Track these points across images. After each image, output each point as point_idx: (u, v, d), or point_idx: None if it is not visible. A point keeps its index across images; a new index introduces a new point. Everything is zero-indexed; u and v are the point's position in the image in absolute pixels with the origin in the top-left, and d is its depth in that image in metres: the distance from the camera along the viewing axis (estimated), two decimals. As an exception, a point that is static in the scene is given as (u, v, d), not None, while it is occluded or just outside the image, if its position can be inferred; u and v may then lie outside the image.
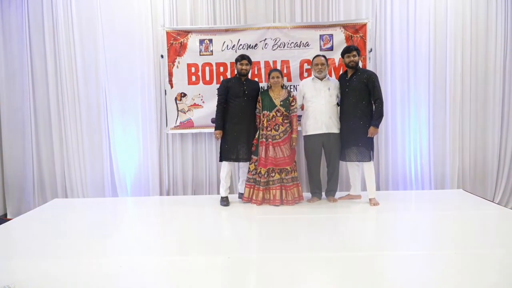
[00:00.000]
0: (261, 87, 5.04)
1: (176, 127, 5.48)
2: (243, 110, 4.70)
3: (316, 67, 4.65)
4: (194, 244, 3.49)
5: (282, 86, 4.75)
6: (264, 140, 4.61)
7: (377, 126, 4.49)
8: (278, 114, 4.61)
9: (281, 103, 4.62)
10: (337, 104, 4.75)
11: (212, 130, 5.33)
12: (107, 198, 5.58)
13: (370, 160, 4.58)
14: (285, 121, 4.64)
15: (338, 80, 4.80)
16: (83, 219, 4.47)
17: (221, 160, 4.83)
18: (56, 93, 5.56)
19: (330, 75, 5.22)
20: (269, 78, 4.71)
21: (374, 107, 4.52)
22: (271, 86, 4.71)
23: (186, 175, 5.66)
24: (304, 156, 5.01)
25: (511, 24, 5.43)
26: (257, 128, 4.75)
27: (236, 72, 4.82)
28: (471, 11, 5.42)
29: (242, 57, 4.72)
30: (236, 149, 4.69)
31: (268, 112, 4.63)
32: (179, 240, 3.64)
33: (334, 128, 4.67)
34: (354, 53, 4.52)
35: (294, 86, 5.32)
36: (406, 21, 5.45)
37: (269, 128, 4.61)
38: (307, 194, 4.95)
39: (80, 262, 3.11)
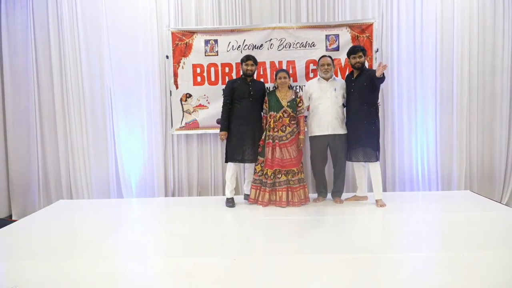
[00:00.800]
0: (267, 87, 5.01)
1: (181, 128, 5.46)
2: (248, 111, 4.68)
3: (322, 67, 4.62)
4: (200, 246, 3.46)
5: (289, 87, 4.72)
6: (270, 141, 4.58)
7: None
8: (285, 115, 4.58)
9: (288, 103, 4.59)
10: (343, 104, 4.72)
11: (217, 131, 5.31)
12: (112, 199, 5.56)
13: (376, 161, 4.55)
14: (292, 122, 4.60)
15: (345, 81, 4.77)
16: (88, 220, 4.46)
17: (226, 161, 4.80)
18: (61, 94, 5.55)
19: (336, 76, 5.19)
20: (276, 78, 4.68)
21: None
22: (278, 87, 4.68)
23: (191, 176, 5.64)
24: (309, 157, 4.97)
25: (519, 22, 5.40)
26: (263, 129, 4.72)
27: (241, 73, 4.79)
28: (478, 9, 5.37)
29: (247, 58, 4.69)
30: (241, 150, 4.66)
31: (275, 113, 4.60)
32: (184, 241, 3.61)
33: (340, 129, 4.64)
34: (360, 54, 4.48)
35: (300, 86, 5.29)
36: (412, 20, 5.41)
37: (276, 129, 4.58)
38: (313, 195, 4.93)
39: (84, 263, 3.10)
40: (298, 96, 4.68)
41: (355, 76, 4.59)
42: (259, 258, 3.19)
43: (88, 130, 5.58)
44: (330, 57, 4.70)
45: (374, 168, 4.58)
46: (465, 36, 5.39)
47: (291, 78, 5.09)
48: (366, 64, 5.11)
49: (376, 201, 4.61)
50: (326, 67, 4.59)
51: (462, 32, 5.39)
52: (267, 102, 4.68)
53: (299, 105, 4.64)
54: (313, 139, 4.73)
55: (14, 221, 4.89)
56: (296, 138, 4.62)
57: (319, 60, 4.71)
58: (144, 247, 3.50)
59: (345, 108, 4.72)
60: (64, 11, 5.44)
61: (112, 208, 5.05)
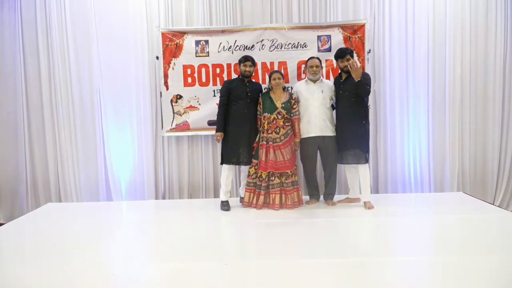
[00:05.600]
0: (264, 88, 4.97)
1: (171, 130, 5.39)
2: (245, 112, 4.60)
3: (310, 69, 4.58)
4: (190, 250, 3.41)
5: (283, 88, 4.68)
6: (264, 143, 4.52)
7: (361, 81, 4.22)
8: (279, 117, 4.53)
9: (283, 105, 4.54)
10: (332, 106, 4.69)
11: (208, 132, 5.30)
12: (102, 202, 5.48)
13: (365, 163, 4.52)
14: (286, 124, 4.56)
15: (334, 83, 4.73)
16: (77, 224, 4.37)
17: (222, 163, 4.73)
18: (50, 95, 5.47)
19: (328, 77, 5.18)
20: (270, 80, 4.63)
21: None
22: (271, 88, 4.63)
23: (182, 178, 5.57)
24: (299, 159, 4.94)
25: (511, 24, 5.38)
26: (258, 131, 4.67)
27: (240, 74, 4.70)
28: (470, 11, 5.36)
29: (246, 59, 4.61)
30: (237, 152, 4.59)
31: (269, 115, 4.54)
32: (175, 246, 3.55)
33: (329, 131, 4.60)
34: (348, 57, 4.43)
35: (291, 87, 5.24)
36: (404, 21, 5.39)
37: (269, 131, 4.52)
38: (305, 198, 4.88)
39: (73, 268, 3.05)
40: (293, 98, 4.63)
41: (343, 78, 4.55)
42: (251, 262, 3.14)
43: (77, 131, 5.50)
44: (318, 58, 4.67)
45: (363, 170, 4.55)
46: (457, 37, 5.39)
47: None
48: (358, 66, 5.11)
49: (364, 203, 4.59)
50: (314, 69, 4.56)
51: (455, 33, 5.38)
52: (261, 103, 4.63)
53: (294, 107, 4.60)
54: (302, 141, 4.67)
55: (2, 224, 4.82)
56: (290, 140, 4.57)
57: (307, 61, 4.67)
58: (134, 251, 3.45)
59: (334, 110, 4.69)
60: (52, 12, 5.35)
61: (101, 211, 4.97)
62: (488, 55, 5.43)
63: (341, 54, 4.48)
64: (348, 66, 4.28)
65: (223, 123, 4.63)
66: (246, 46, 5.26)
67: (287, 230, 3.90)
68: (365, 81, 4.35)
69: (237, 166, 4.90)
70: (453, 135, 5.48)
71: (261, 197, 4.53)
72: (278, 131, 4.52)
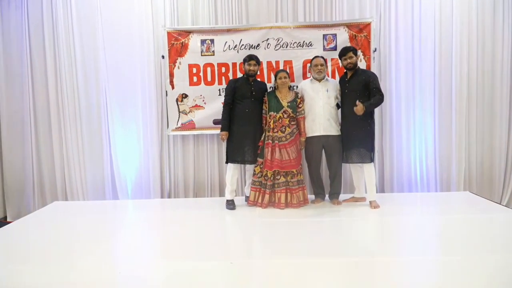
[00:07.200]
0: (270, 87, 4.97)
1: (177, 129, 5.41)
2: (250, 111, 4.60)
3: (315, 68, 4.57)
4: (196, 249, 3.41)
5: (289, 87, 4.66)
6: (270, 141, 4.52)
7: (367, 107, 4.32)
8: (285, 116, 4.53)
9: (289, 104, 4.54)
10: (337, 105, 4.68)
11: (214, 131, 5.30)
12: (108, 201, 5.51)
13: (370, 162, 4.51)
14: (292, 123, 4.55)
15: (339, 82, 4.72)
16: (83, 222, 4.40)
17: (227, 162, 4.73)
18: (56, 94, 5.50)
19: (334, 76, 5.16)
20: (276, 78, 4.62)
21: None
22: (277, 87, 4.63)
23: (187, 177, 5.58)
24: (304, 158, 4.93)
25: (518, 22, 5.35)
26: (263, 130, 4.66)
27: (245, 73, 4.71)
28: (477, 9, 5.33)
29: (250, 58, 4.61)
30: (242, 151, 4.59)
31: (275, 113, 4.54)
32: (180, 244, 3.56)
33: (333, 131, 4.59)
34: (350, 54, 4.44)
35: (297, 86, 5.24)
36: (411, 20, 5.37)
37: (275, 130, 4.52)
38: (311, 197, 4.87)
39: (79, 267, 3.06)
40: (299, 97, 4.62)
41: (348, 77, 4.55)
42: (256, 261, 3.15)
43: (83, 131, 5.53)
44: (322, 57, 4.67)
45: (368, 169, 4.53)
46: (464, 35, 5.35)
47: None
48: (364, 65, 5.11)
49: (370, 202, 4.57)
50: (319, 67, 4.55)
51: (461, 31, 5.35)
52: (267, 102, 4.63)
53: (300, 105, 4.59)
54: (307, 140, 4.66)
55: (9, 222, 4.85)
56: (296, 139, 4.56)
57: (312, 60, 4.67)
58: (140, 250, 3.46)
59: (339, 110, 4.68)
60: (59, 12, 5.39)
61: (107, 210, 5.01)
62: (495, 53, 5.39)
63: (343, 52, 4.49)
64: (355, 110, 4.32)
65: (228, 122, 4.63)
66: (252, 45, 5.25)
67: (293, 229, 3.89)
68: (373, 84, 4.38)
69: (242, 165, 4.89)
70: (459, 133, 5.44)
71: (267, 196, 4.53)
72: (283, 130, 4.51)
